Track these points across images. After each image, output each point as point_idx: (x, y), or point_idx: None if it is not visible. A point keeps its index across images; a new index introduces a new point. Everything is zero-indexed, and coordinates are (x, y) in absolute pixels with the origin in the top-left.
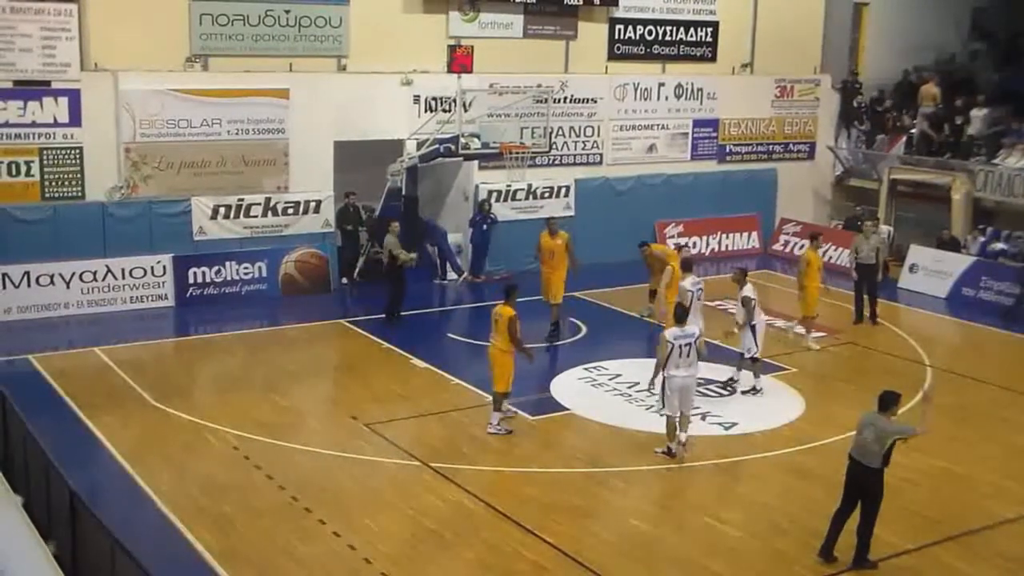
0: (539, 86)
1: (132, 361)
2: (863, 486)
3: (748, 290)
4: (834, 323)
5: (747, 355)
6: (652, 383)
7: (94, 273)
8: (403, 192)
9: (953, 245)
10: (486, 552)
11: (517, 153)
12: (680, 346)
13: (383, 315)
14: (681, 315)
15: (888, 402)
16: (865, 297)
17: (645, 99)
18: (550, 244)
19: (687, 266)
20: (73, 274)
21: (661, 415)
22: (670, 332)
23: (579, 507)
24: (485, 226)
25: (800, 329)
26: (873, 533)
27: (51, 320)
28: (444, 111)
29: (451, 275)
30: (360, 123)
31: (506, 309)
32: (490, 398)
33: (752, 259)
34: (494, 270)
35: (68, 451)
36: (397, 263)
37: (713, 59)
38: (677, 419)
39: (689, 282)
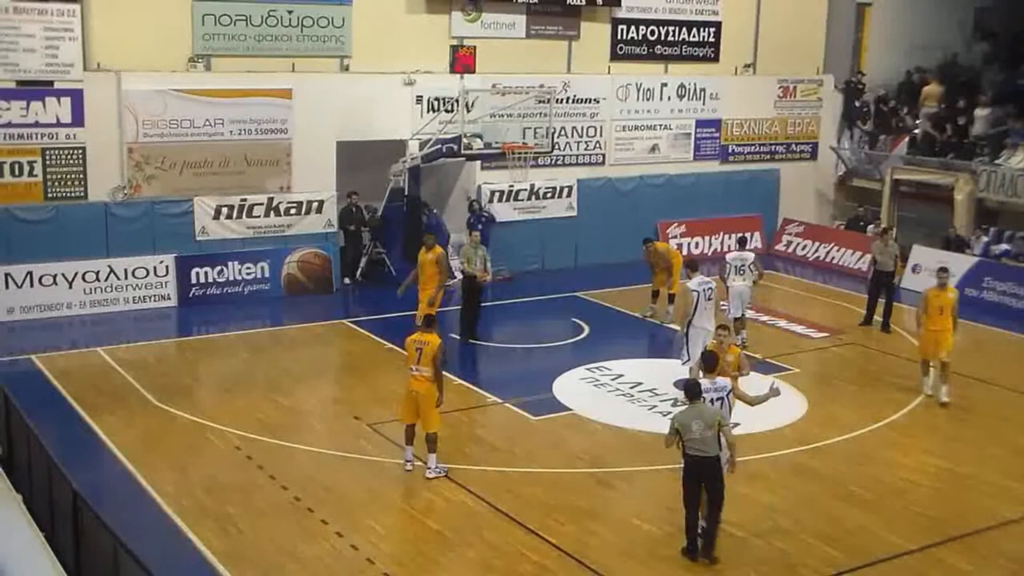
0: (541, 86)
1: (135, 361)
2: (706, 477)
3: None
4: (837, 323)
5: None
6: None
7: (97, 273)
8: (406, 192)
9: (959, 244)
10: (489, 552)
11: (519, 153)
12: (711, 400)
13: (458, 336)
14: (712, 363)
15: (697, 391)
16: (880, 304)
17: (648, 99)
18: (422, 259)
19: (694, 266)
20: (76, 274)
21: None
22: (700, 384)
23: (582, 507)
24: (480, 225)
25: (928, 387)
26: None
27: (54, 320)
28: (446, 111)
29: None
30: (363, 123)
31: (432, 336)
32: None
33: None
34: (496, 270)
35: (71, 451)
36: (467, 275)
37: (716, 59)
38: None
39: (695, 282)
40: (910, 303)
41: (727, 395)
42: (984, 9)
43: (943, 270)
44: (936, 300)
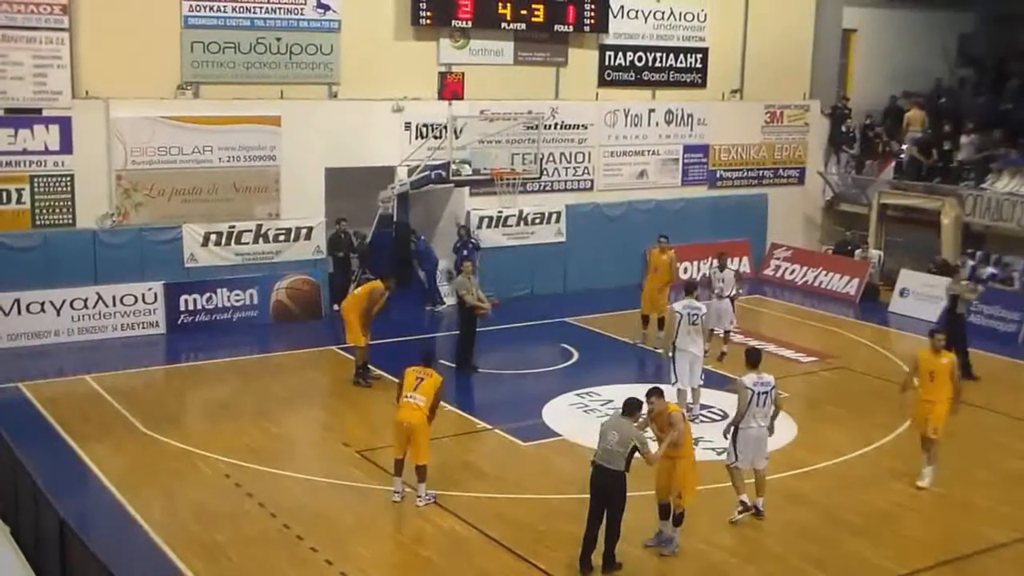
0: (529, 112)
1: (123, 388)
2: (608, 491)
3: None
4: (825, 347)
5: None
6: (728, 431)
7: (85, 300)
8: (394, 219)
9: (946, 269)
10: None
11: (508, 179)
12: (759, 394)
13: (454, 364)
14: (756, 359)
15: (632, 407)
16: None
17: (635, 125)
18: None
19: (688, 288)
20: (64, 301)
21: (730, 466)
22: (748, 378)
23: (572, 533)
24: (466, 252)
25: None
26: (620, 536)
27: (41, 348)
28: (435, 137)
29: (444, 303)
30: (351, 150)
31: (431, 371)
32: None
33: (743, 284)
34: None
35: (58, 479)
36: (465, 306)
37: (703, 85)
38: (745, 471)
39: (680, 305)
40: (897, 327)
41: (771, 391)
42: (968, 35)
43: (937, 332)
44: (927, 364)
